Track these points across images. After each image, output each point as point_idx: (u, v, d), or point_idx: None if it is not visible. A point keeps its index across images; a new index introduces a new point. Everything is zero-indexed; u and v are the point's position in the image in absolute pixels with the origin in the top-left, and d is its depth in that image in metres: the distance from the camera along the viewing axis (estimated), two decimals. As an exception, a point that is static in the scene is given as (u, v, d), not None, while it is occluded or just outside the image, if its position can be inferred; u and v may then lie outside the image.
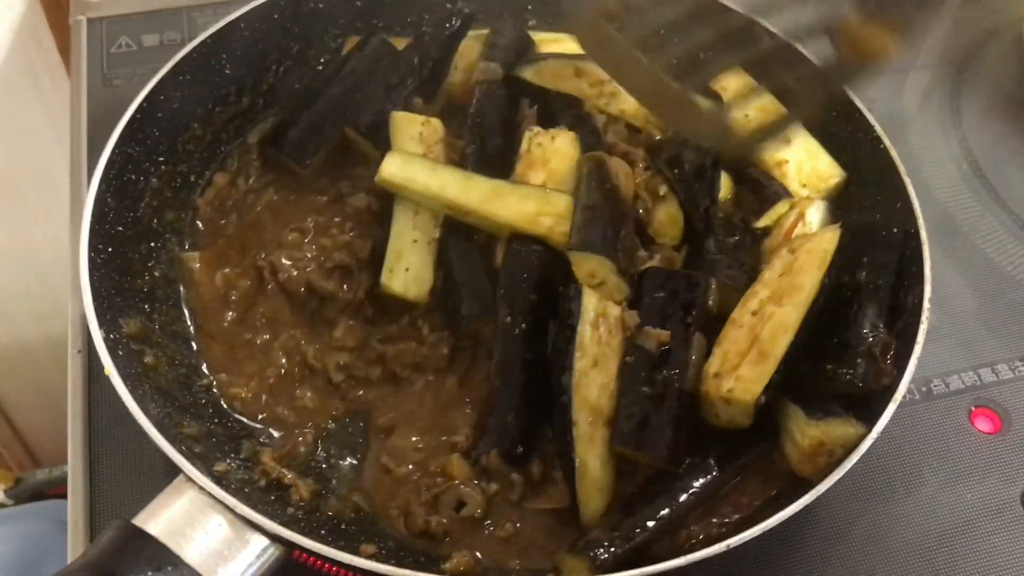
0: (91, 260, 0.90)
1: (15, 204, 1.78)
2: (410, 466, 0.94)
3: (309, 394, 0.99)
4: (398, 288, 0.98)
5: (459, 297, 0.97)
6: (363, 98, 1.10)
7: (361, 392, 0.99)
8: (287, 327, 1.02)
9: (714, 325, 0.92)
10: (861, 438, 0.82)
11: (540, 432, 0.93)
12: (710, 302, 0.92)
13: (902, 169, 1.00)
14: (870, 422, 0.83)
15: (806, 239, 0.94)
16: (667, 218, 1.01)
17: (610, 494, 0.88)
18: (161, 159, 1.06)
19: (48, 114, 1.63)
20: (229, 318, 1.02)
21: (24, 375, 2.04)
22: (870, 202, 1.04)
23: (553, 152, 1.01)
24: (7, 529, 1.61)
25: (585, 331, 0.89)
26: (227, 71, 1.13)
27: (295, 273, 1.02)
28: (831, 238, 0.92)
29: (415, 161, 1.00)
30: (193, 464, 0.78)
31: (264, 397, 0.98)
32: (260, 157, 1.12)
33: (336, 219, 1.07)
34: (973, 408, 1.04)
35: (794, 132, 1.07)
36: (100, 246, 0.94)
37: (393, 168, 0.99)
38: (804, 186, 1.06)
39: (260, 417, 0.97)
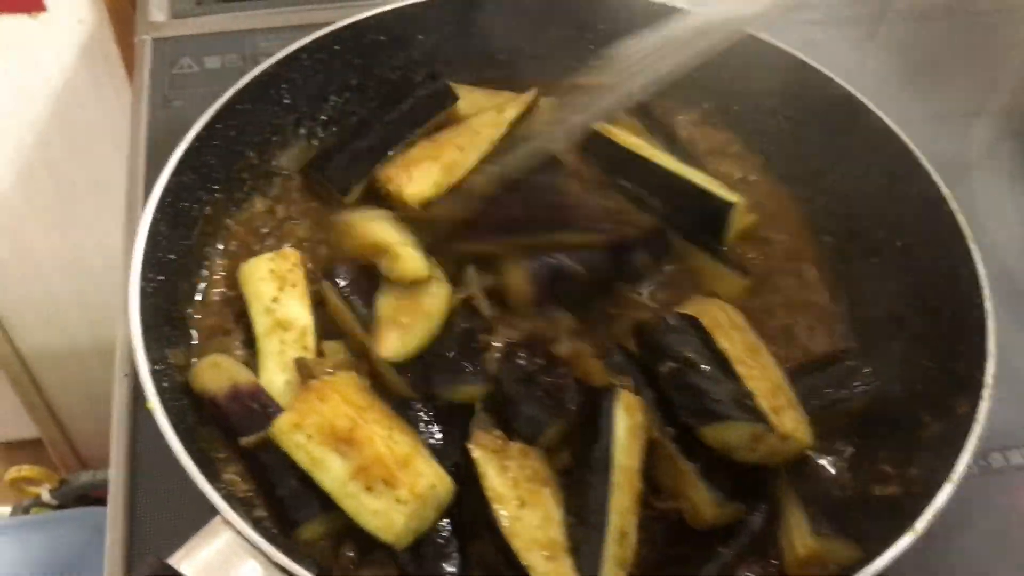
0: (142, 289, 0.90)
1: (72, 211, 1.82)
2: None
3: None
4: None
5: None
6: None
7: None
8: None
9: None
10: (861, 563, 0.77)
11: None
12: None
13: (968, 235, 0.96)
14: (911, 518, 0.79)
15: None
16: None
17: None
18: (216, 187, 1.07)
19: (110, 125, 1.66)
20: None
21: (74, 378, 2.07)
22: (932, 266, 1.00)
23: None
24: (49, 533, 1.63)
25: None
26: (286, 100, 1.13)
27: None
28: None
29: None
30: (232, 507, 0.78)
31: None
32: (302, 185, 1.12)
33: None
34: (1034, 486, 1.00)
35: None
36: (151, 274, 0.93)
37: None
38: None
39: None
